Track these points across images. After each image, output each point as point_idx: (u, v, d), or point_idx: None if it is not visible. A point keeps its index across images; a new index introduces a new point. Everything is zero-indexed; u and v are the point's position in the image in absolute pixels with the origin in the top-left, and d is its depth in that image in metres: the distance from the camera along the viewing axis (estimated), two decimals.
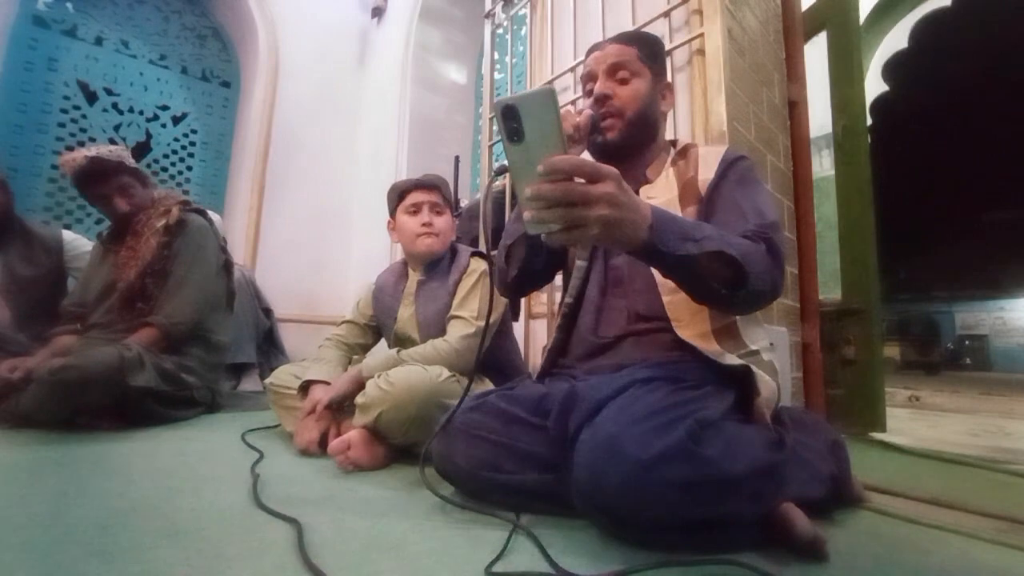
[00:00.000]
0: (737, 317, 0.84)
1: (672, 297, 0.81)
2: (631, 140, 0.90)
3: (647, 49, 0.93)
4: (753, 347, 0.83)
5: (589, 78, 0.93)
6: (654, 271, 0.80)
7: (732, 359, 0.77)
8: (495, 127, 2.19)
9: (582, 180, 0.55)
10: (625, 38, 0.95)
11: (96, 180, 1.56)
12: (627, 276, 0.89)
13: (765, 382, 0.77)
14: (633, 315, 0.87)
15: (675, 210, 0.84)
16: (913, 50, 3.46)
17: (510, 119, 0.54)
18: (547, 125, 0.54)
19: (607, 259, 0.92)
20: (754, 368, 0.76)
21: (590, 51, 0.95)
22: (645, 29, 1.52)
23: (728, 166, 0.86)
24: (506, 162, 0.57)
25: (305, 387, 1.24)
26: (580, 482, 0.62)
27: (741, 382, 0.76)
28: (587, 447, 0.62)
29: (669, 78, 1.44)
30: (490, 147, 2.13)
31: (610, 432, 0.61)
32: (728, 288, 0.68)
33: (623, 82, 0.90)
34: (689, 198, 0.86)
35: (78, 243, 1.94)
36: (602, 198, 0.55)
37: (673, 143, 0.97)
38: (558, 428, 0.72)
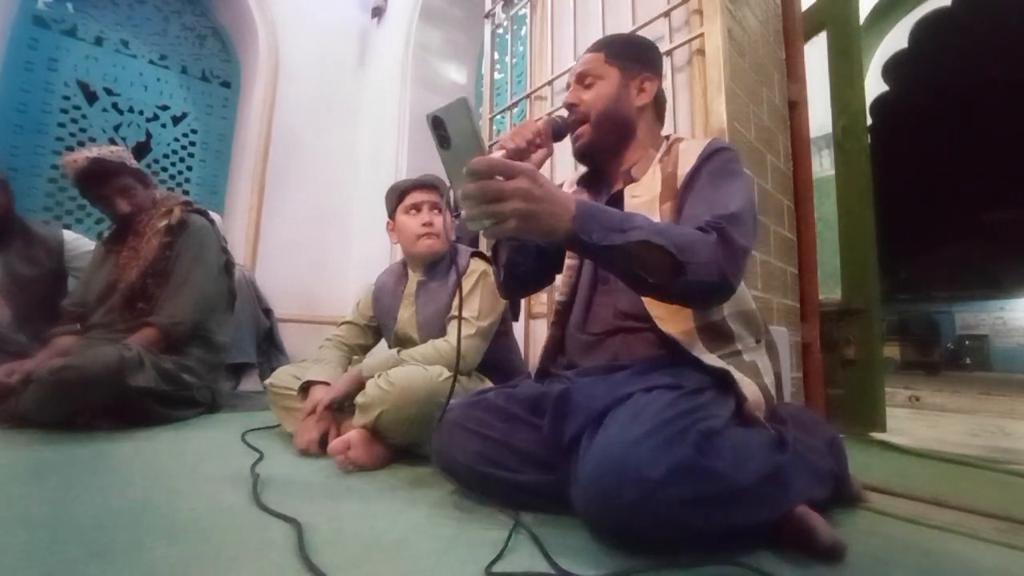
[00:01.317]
0: (726, 314, 0.83)
1: None
2: (603, 140, 0.92)
3: (613, 50, 0.94)
4: (737, 346, 0.82)
5: (567, 90, 0.97)
6: None
7: (712, 359, 0.77)
8: (494, 128, 2.20)
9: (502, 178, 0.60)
10: (594, 45, 0.97)
11: (97, 181, 1.56)
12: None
13: (747, 385, 0.75)
14: (618, 312, 0.87)
15: (655, 207, 0.84)
16: (913, 50, 3.46)
17: (439, 128, 0.61)
18: (466, 130, 0.61)
19: None
20: (733, 371, 0.75)
21: None
22: (645, 29, 1.52)
23: (705, 158, 0.84)
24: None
25: (305, 388, 1.24)
26: (588, 500, 0.61)
27: (731, 385, 0.75)
28: (593, 464, 0.61)
29: (669, 78, 1.46)
30: (489, 147, 2.13)
31: (617, 450, 0.59)
32: (666, 279, 0.68)
33: (589, 88, 0.92)
34: (668, 194, 0.85)
35: (78, 243, 1.94)
36: (515, 193, 0.59)
37: (667, 138, 0.97)
38: (553, 432, 0.71)
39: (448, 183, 0.64)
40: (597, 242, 0.64)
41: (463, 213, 0.61)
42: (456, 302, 1.29)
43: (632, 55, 0.95)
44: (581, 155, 0.96)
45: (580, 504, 0.63)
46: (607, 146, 0.93)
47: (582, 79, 0.93)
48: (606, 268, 0.73)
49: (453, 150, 0.62)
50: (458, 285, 0.88)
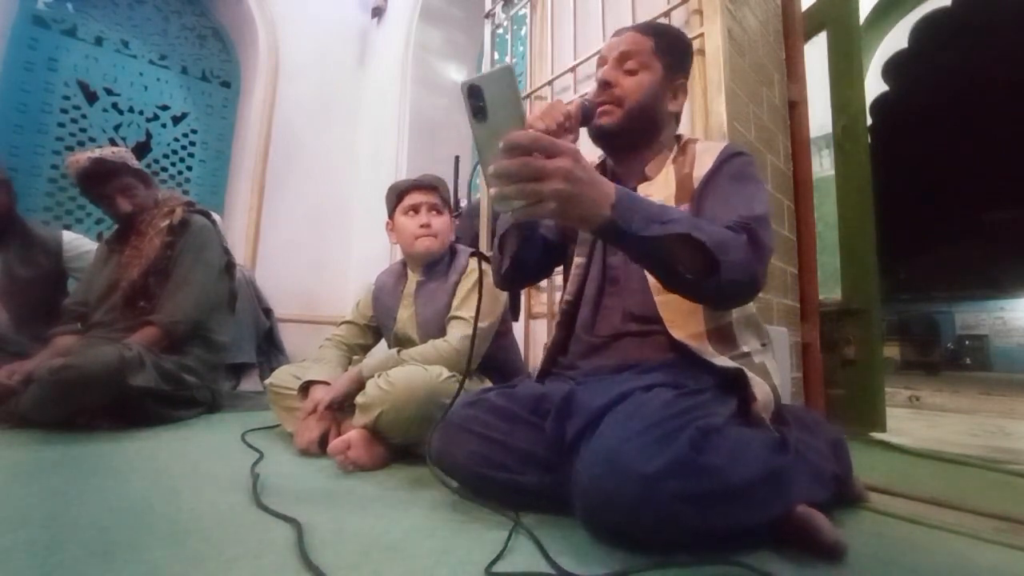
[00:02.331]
0: (733, 319, 0.83)
1: (664, 297, 0.81)
2: (627, 130, 0.88)
3: (664, 42, 0.90)
4: (745, 349, 0.82)
5: (600, 63, 0.92)
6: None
7: (724, 361, 0.77)
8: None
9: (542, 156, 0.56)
10: (644, 28, 0.92)
11: (99, 181, 1.57)
12: (623, 275, 0.88)
13: (759, 385, 0.75)
14: (627, 315, 0.86)
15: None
16: (913, 50, 3.46)
17: (475, 98, 0.56)
18: (507, 101, 0.56)
19: (605, 257, 0.91)
20: (747, 371, 0.75)
21: (613, 35, 0.94)
22: None
23: (723, 161, 0.84)
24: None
25: (305, 387, 1.24)
26: (585, 499, 0.61)
27: (739, 385, 0.76)
28: (589, 462, 0.61)
29: None
30: None
31: (612, 446, 0.59)
32: (699, 276, 0.67)
33: (630, 72, 0.88)
34: (683, 195, 0.84)
35: (77, 243, 1.93)
36: (557, 172, 0.55)
37: (678, 138, 0.95)
38: (555, 433, 0.71)
39: (478, 158, 0.58)
40: (636, 232, 0.61)
41: (492, 192, 0.57)
42: (455, 302, 1.29)
43: (680, 55, 0.92)
44: (599, 135, 0.90)
45: (577, 502, 0.63)
46: (629, 138, 0.90)
47: (623, 60, 0.88)
48: (639, 260, 0.70)
49: (489, 123, 0.56)
50: (479, 284, 0.86)
